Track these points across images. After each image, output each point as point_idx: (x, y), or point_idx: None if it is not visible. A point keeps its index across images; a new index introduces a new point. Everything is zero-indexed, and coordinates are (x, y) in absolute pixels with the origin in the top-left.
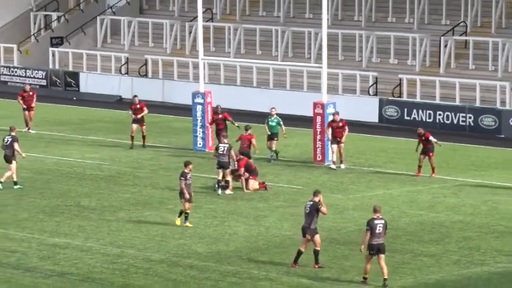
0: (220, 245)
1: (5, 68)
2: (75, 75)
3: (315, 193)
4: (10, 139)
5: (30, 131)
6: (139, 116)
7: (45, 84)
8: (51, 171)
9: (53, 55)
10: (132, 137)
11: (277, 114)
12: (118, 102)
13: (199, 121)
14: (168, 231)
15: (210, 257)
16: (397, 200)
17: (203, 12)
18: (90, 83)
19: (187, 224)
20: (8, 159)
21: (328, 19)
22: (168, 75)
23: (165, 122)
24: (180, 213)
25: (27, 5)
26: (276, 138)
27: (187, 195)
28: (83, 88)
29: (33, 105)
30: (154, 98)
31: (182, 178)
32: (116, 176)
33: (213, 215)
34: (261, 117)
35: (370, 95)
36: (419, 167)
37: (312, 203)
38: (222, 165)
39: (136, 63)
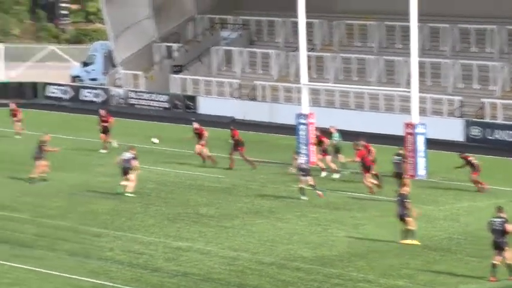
0: (324, 250)
1: (133, 92)
2: (193, 99)
3: (500, 209)
4: (129, 156)
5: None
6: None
7: (167, 106)
8: (174, 183)
9: (174, 81)
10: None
11: (370, 133)
12: (231, 123)
13: (302, 139)
14: (277, 237)
15: (314, 260)
16: (485, 211)
17: (305, 43)
18: (206, 105)
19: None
20: (126, 172)
21: (417, 49)
22: (275, 99)
23: (272, 140)
24: (405, 232)
25: (151, 37)
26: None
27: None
28: (200, 110)
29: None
30: (262, 118)
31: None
32: (231, 187)
33: (317, 223)
34: (357, 136)
35: (455, 116)
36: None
37: (501, 219)
38: (305, 172)
39: (247, 88)
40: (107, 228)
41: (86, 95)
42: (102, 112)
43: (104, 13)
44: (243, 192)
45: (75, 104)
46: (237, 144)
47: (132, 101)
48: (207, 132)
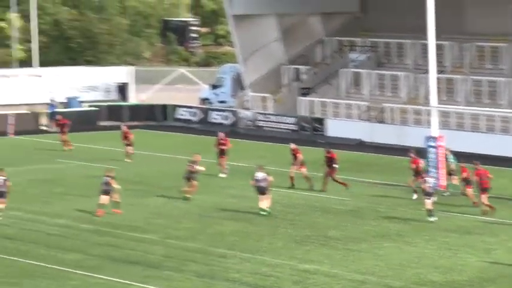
0: (454, 275)
1: (261, 115)
2: (321, 121)
3: None
4: (262, 176)
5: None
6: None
7: (295, 128)
8: (300, 205)
9: (302, 103)
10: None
11: (501, 157)
12: (359, 145)
13: (432, 162)
14: (405, 261)
15: (444, 285)
16: None
17: (435, 65)
18: (334, 127)
19: None
20: (262, 192)
21: None
22: (403, 121)
23: (400, 162)
24: None
25: (280, 60)
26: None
27: None
28: (328, 132)
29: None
30: (391, 141)
31: None
32: (358, 210)
33: (447, 247)
34: (488, 159)
35: None
36: None
37: None
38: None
39: (375, 110)
40: (234, 250)
41: (215, 117)
42: (221, 135)
43: (233, 36)
44: (371, 215)
45: (203, 126)
46: (330, 165)
47: (260, 123)
48: (301, 154)
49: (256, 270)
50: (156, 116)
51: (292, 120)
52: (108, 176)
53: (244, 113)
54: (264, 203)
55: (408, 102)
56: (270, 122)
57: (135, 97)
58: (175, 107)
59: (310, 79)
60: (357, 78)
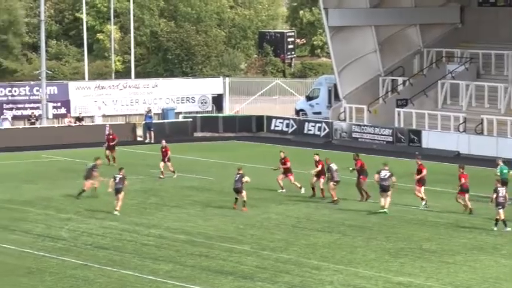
0: None
1: (356, 126)
2: (417, 133)
3: None
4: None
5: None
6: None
7: (391, 140)
8: (396, 218)
9: (399, 115)
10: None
11: None
12: (456, 157)
13: None
14: (501, 274)
15: None
16: None
17: None
18: (431, 139)
19: None
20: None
21: None
22: (502, 133)
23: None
24: None
25: (376, 71)
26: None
27: None
28: (424, 144)
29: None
30: (489, 153)
31: None
32: (454, 223)
33: None
34: None
35: None
36: None
37: None
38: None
39: (472, 122)
40: (327, 262)
41: (310, 128)
42: (282, 155)
43: (329, 47)
44: (466, 227)
45: (298, 137)
46: (360, 174)
47: (355, 135)
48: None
49: (349, 282)
50: (251, 127)
51: (388, 131)
52: (238, 174)
53: (339, 125)
54: (383, 201)
55: (507, 114)
56: (365, 133)
57: (229, 107)
58: (270, 118)
59: (406, 90)
60: (454, 90)
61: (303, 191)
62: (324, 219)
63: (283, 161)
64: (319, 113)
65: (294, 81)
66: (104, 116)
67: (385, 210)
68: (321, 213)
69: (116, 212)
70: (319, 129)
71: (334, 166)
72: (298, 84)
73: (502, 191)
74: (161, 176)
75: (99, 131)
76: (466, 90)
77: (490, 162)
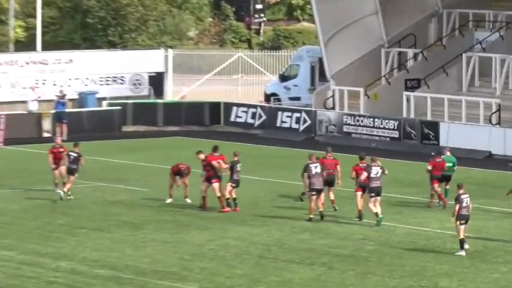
0: None
1: (349, 117)
2: (434, 126)
3: None
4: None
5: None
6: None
7: (397, 136)
8: (402, 243)
9: (408, 101)
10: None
11: None
12: (487, 159)
13: None
14: None
15: None
16: None
17: None
18: (452, 135)
19: None
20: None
21: None
22: None
23: None
24: None
25: (377, 40)
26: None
27: None
28: (443, 141)
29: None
30: None
31: None
32: (482, 250)
33: None
34: None
35: None
36: None
37: None
38: None
39: (510, 111)
40: None
41: (285, 120)
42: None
43: (313, 8)
44: (501, 257)
45: (269, 133)
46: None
47: (348, 129)
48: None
49: None
50: (202, 118)
51: (393, 124)
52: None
53: (325, 115)
54: (375, 207)
55: None
56: (362, 127)
57: (173, 91)
58: (229, 106)
59: (419, 67)
60: (485, 66)
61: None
62: (303, 246)
63: (206, 165)
64: (298, 98)
65: (264, 54)
66: (32, 101)
67: (380, 216)
68: (298, 238)
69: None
70: (298, 121)
71: (239, 165)
72: (269, 58)
73: (465, 199)
74: (58, 191)
75: None
76: (501, 67)
77: None
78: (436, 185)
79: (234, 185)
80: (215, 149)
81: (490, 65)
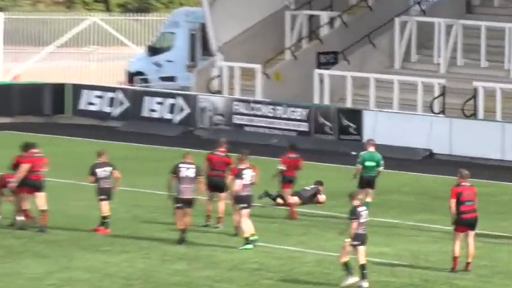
0: None
1: (242, 104)
2: (356, 115)
3: None
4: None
5: None
6: None
7: (306, 129)
8: (312, 275)
9: (321, 82)
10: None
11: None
12: (427, 160)
13: None
14: None
15: None
16: None
17: None
18: (380, 127)
19: None
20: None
21: None
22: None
23: None
24: None
25: (280, 2)
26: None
27: None
28: (368, 135)
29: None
30: (487, 152)
31: None
32: (420, 284)
33: None
34: None
35: None
36: None
37: None
38: None
39: (458, 96)
40: None
41: (154, 107)
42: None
43: None
44: None
45: (132, 125)
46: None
47: (240, 120)
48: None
49: None
50: (42, 106)
51: (300, 113)
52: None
53: (209, 101)
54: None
55: None
56: (259, 117)
57: (3, 70)
58: (78, 88)
59: (337, 37)
60: (425, 35)
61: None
62: (177, 280)
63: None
64: (173, 78)
65: (127, 18)
66: None
67: (255, 237)
68: (170, 268)
69: None
70: (172, 109)
71: (107, 168)
72: (134, 24)
73: (363, 213)
74: None
75: None
76: (447, 36)
77: (492, 169)
78: (287, 190)
79: (103, 196)
80: (28, 147)
81: (431, 32)
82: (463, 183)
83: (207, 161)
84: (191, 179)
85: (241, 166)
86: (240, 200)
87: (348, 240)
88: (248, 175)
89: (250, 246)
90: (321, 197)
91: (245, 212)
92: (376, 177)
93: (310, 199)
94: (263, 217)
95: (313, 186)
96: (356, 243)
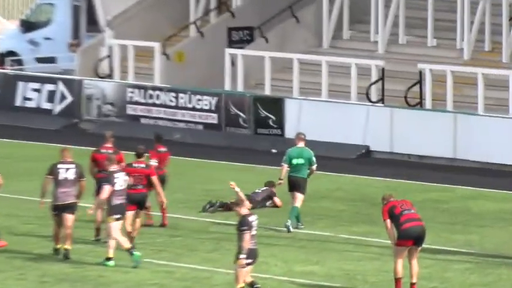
0: None
1: (137, 91)
2: (276, 105)
3: None
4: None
5: None
6: None
7: (215, 121)
8: None
9: (233, 64)
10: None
11: None
12: (363, 159)
13: None
14: None
15: None
16: None
17: None
18: (306, 119)
19: None
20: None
21: None
22: (465, 105)
23: None
24: None
25: None
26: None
27: None
28: (291, 129)
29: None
30: (434, 150)
31: None
32: None
33: None
34: None
35: None
36: None
37: None
38: None
39: (401, 81)
40: None
41: (29, 95)
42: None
43: None
44: None
45: (1, 117)
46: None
47: (134, 111)
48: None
49: None
50: None
51: (208, 102)
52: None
53: (98, 87)
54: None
55: (475, 61)
56: (158, 107)
57: None
58: None
59: (252, 9)
60: (360, 7)
61: None
62: None
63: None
64: (52, 59)
65: None
66: None
67: (137, 254)
68: None
69: None
70: (52, 97)
71: None
72: None
73: (254, 222)
74: None
75: None
76: (386, 8)
77: (441, 170)
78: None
79: None
80: None
81: (367, 4)
82: None
83: (91, 160)
84: (71, 181)
85: (112, 169)
86: (113, 210)
87: (243, 256)
88: (121, 179)
89: (111, 263)
90: (277, 200)
91: (118, 224)
92: (307, 178)
93: (263, 202)
94: (165, 229)
95: (264, 188)
96: (249, 261)
